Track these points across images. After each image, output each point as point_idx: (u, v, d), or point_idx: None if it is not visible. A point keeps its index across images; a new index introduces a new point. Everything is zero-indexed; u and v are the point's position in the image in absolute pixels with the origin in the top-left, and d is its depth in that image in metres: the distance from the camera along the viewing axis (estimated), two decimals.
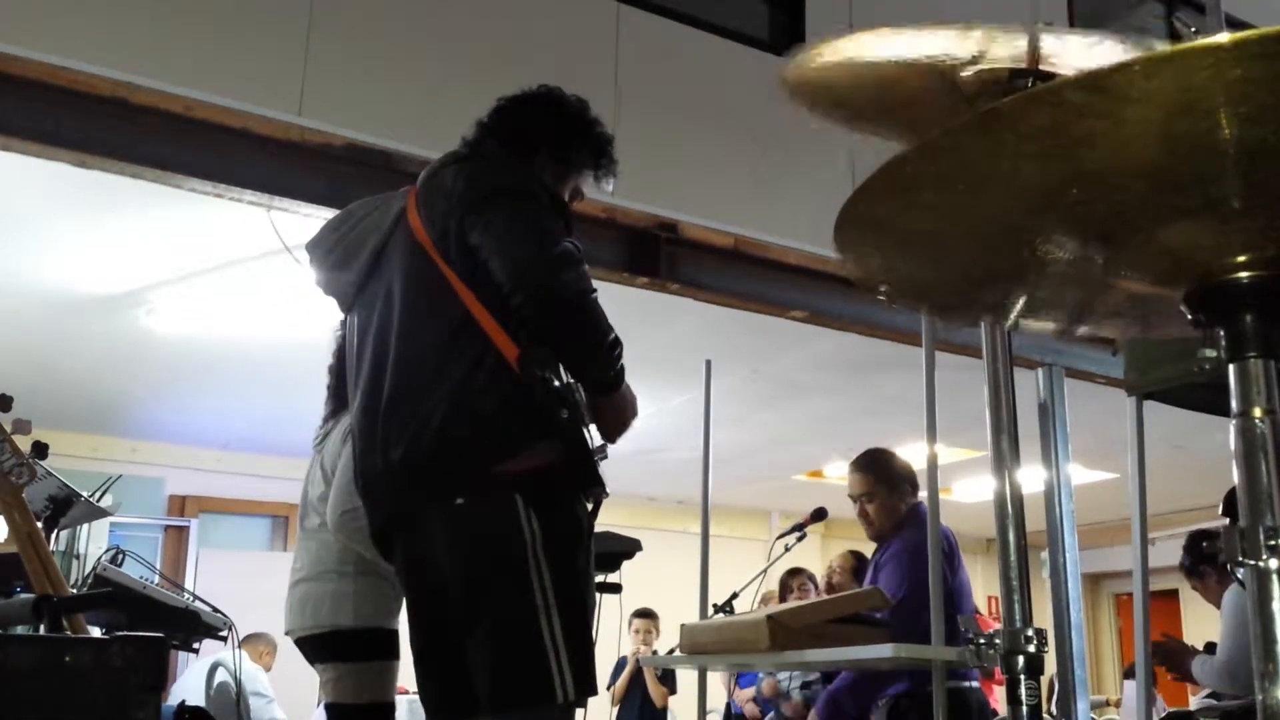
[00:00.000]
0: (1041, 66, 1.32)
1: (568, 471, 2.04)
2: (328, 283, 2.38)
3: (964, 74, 1.35)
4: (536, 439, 2.01)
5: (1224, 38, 0.68)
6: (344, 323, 3.11)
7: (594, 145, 2.34)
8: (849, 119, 1.46)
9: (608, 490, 2.12)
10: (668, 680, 6.43)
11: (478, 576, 2.01)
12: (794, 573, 5.75)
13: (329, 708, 2.87)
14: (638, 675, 6.46)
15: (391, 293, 2.17)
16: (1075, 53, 1.31)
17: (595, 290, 2.07)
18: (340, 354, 3.11)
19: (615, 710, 6.53)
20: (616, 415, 2.18)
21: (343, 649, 2.85)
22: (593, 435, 2.13)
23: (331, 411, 3.10)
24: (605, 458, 2.19)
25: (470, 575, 2.02)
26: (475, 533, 2.01)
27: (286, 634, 2.99)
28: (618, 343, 2.08)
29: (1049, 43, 1.28)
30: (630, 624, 6.55)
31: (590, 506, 2.13)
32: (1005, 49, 1.30)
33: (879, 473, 3.72)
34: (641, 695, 6.48)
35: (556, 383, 2.02)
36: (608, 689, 6.45)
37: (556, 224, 2.10)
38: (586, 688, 1.98)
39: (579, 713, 2.07)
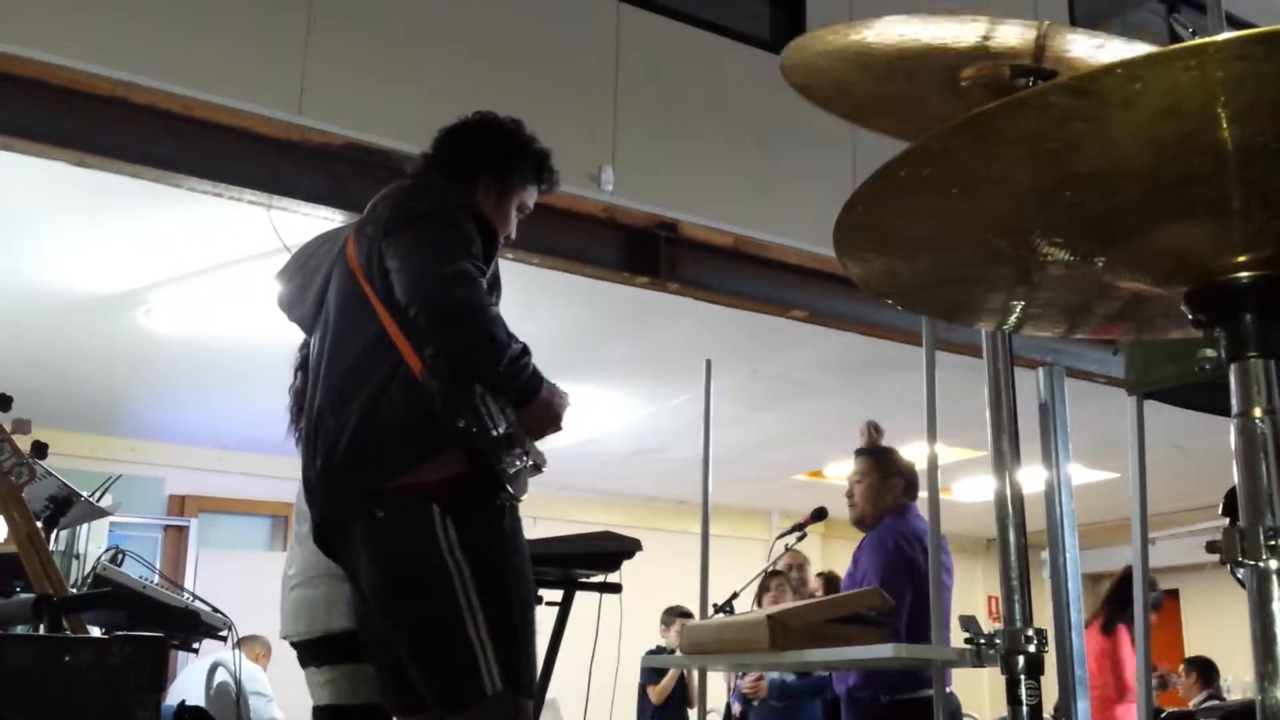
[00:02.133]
0: (1044, 63, 1.32)
1: (472, 480, 2.12)
2: (290, 309, 2.56)
3: (965, 71, 1.35)
4: (441, 449, 2.11)
5: (1204, 40, 0.68)
6: (306, 344, 3.23)
7: (532, 161, 2.48)
8: (849, 111, 1.47)
9: (516, 498, 2.18)
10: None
11: (399, 587, 2.12)
12: (774, 574, 5.73)
13: (320, 710, 2.88)
14: (683, 676, 6.53)
15: (329, 315, 2.33)
16: (1081, 49, 1.31)
17: (492, 305, 2.16)
18: (303, 371, 3.19)
19: (652, 709, 6.60)
20: (536, 421, 2.28)
21: (336, 652, 2.87)
22: (518, 443, 2.19)
23: (298, 428, 3.16)
24: (537, 466, 2.26)
25: (392, 586, 2.13)
26: (394, 544, 2.13)
27: (283, 638, 3.00)
28: (523, 354, 2.17)
29: (1054, 41, 1.28)
30: (673, 623, 6.65)
31: (508, 509, 2.21)
32: (1009, 37, 1.30)
33: (877, 460, 3.86)
34: (682, 696, 6.55)
35: (459, 396, 2.10)
36: (648, 686, 6.53)
37: (461, 245, 2.19)
38: (515, 679, 2.06)
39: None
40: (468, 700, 2.04)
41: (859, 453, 3.93)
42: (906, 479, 3.81)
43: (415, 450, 2.12)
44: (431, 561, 2.06)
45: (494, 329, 2.13)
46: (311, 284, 2.44)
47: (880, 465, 3.84)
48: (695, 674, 6.33)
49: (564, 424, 2.35)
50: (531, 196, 2.51)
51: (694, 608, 3.66)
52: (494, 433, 2.13)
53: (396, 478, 2.11)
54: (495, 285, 2.35)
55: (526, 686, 2.10)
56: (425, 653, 2.09)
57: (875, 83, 1.39)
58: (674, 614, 6.75)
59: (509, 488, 2.14)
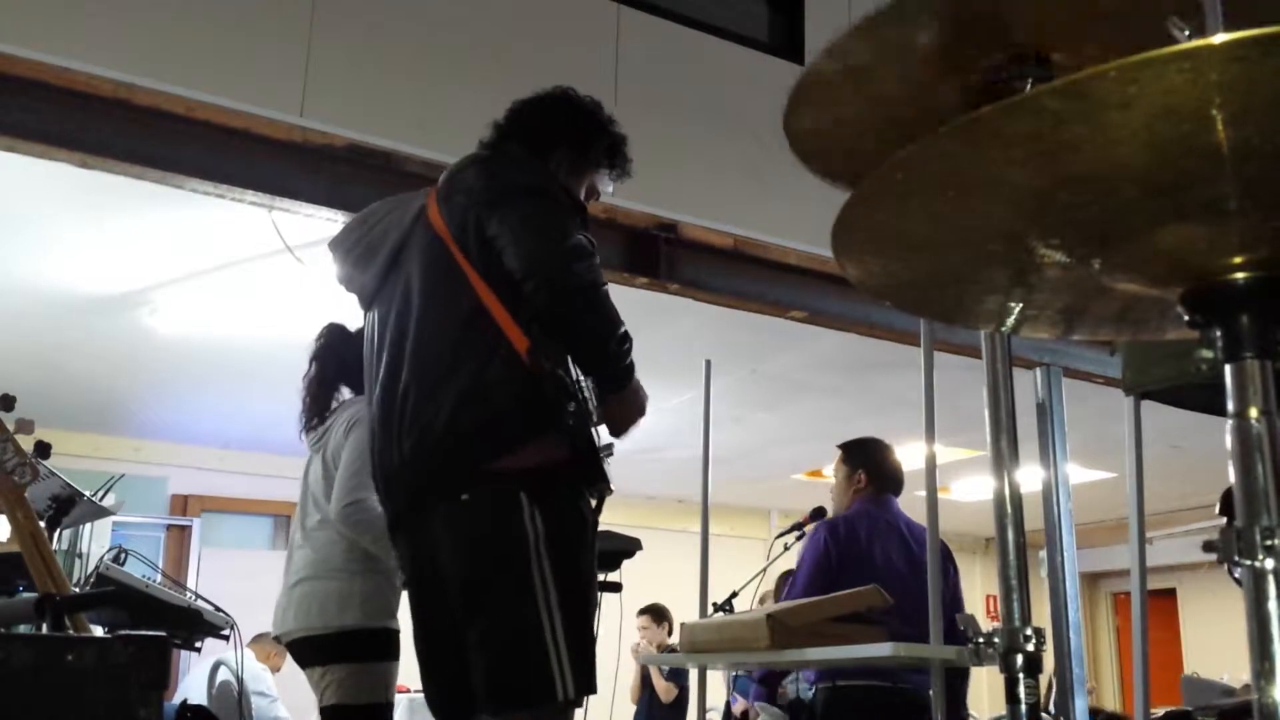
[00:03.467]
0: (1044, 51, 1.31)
1: (573, 468, 2.04)
2: (349, 280, 2.42)
3: (964, 74, 1.35)
4: (543, 433, 2.02)
5: (1198, 42, 0.69)
6: (324, 330, 3.18)
7: (609, 144, 2.39)
8: (853, 179, 1.46)
9: (612, 487, 2.13)
10: (676, 676, 6.47)
11: (480, 573, 2.02)
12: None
13: (329, 710, 2.86)
14: (646, 673, 6.51)
15: (410, 286, 2.20)
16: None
17: (606, 284, 2.08)
18: (320, 361, 3.15)
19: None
20: (625, 411, 2.19)
21: (349, 649, 2.84)
22: (599, 432, 2.14)
23: (310, 421, 3.12)
24: (611, 455, 2.21)
25: (472, 572, 2.03)
26: (479, 529, 2.02)
27: (278, 636, 2.98)
28: (627, 337, 2.09)
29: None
30: (636, 620, 6.64)
31: (595, 503, 2.13)
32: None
33: (846, 455, 3.93)
34: (650, 692, 6.53)
35: (565, 377, 2.03)
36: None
37: (571, 219, 2.12)
38: (587, 686, 1.99)
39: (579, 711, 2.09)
40: (537, 700, 1.95)
41: (839, 448, 4.01)
42: (872, 469, 3.81)
43: (513, 432, 2.02)
44: (515, 552, 1.97)
45: (612, 308, 2.06)
46: (375, 253, 2.31)
47: (847, 458, 3.89)
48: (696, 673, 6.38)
49: (639, 422, 2.25)
50: (603, 181, 2.42)
51: (694, 606, 3.66)
52: (596, 420, 2.07)
53: (492, 460, 2.01)
54: None
55: (590, 692, 2.03)
56: (499, 646, 1.98)
57: (880, 134, 1.38)
58: (638, 612, 6.71)
59: (607, 477, 2.08)
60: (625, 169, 2.43)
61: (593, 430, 2.08)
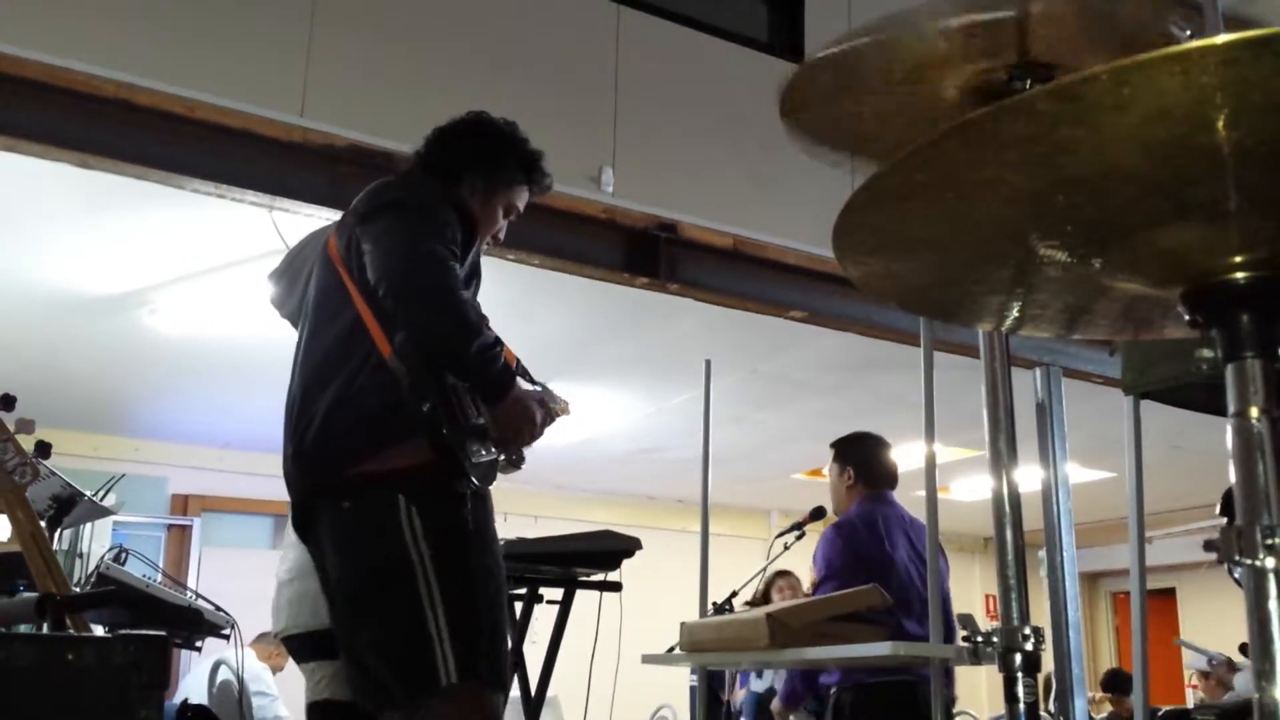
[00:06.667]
0: (1033, 46, 1.32)
1: (441, 466, 2.08)
2: (280, 305, 2.57)
3: (964, 76, 1.36)
4: (407, 435, 2.08)
5: (1189, 45, 0.69)
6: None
7: (520, 161, 2.46)
8: (847, 148, 1.48)
9: (479, 487, 2.11)
10: None
11: (364, 579, 2.09)
12: (782, 574, 5.74)
13: (316, 706, 2.90)
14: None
15: (309, 306, 2.33)
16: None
17: (461, 291, 2.12)
18: None
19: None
20: (507, 421, 2.20)
21: (332, 647, 2.88)
22: (489, 436, 2.14)
23: None
24: (515, 462, 2.21)
25: (357, 579, 2.11)
26: (360, 536, 2.10)
27: (277, 634, 3.02)
28: (494, 344, 2.12)
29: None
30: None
31: (469, 498, 2.13)
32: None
33: (836, 452, 3.91)
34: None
35: (429, 381, 2.07)
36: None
37: (434, 229, 2.17)
38: (473, 670, 2.01)
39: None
40: (422, 690, 2.00)
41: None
42: (858, 466, 3.80)
43: (381, 435, 2.09)
44: (396, 554, 2.03)
45: (463, 313, 2.08)
46: (298, 279, 2.45)
47: (837, 455, 3.88)
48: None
49: (540, 424, 2.25)
50: (521, 198, 2.49)
51: (693, 606, 3.66)
52: (461, 420, 2.09)
53: (362, 463, 2.09)
54: (474, 275, 2.32)
55: (489, 679, 2.06)
56: (384, 644, 2.06)
57: (873, 119, 1.40)
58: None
59: (471, 475, 2.08)
60: (542, 183, 2.50)
61: (458, 429, 2.08)
